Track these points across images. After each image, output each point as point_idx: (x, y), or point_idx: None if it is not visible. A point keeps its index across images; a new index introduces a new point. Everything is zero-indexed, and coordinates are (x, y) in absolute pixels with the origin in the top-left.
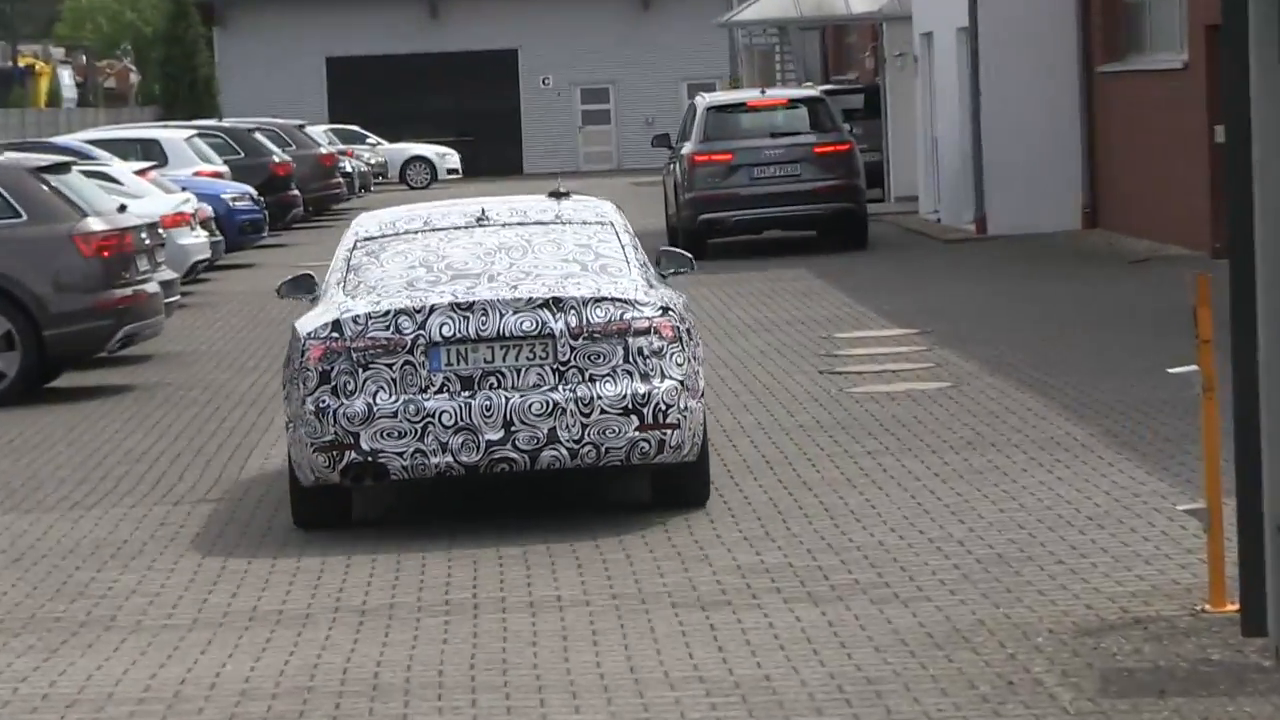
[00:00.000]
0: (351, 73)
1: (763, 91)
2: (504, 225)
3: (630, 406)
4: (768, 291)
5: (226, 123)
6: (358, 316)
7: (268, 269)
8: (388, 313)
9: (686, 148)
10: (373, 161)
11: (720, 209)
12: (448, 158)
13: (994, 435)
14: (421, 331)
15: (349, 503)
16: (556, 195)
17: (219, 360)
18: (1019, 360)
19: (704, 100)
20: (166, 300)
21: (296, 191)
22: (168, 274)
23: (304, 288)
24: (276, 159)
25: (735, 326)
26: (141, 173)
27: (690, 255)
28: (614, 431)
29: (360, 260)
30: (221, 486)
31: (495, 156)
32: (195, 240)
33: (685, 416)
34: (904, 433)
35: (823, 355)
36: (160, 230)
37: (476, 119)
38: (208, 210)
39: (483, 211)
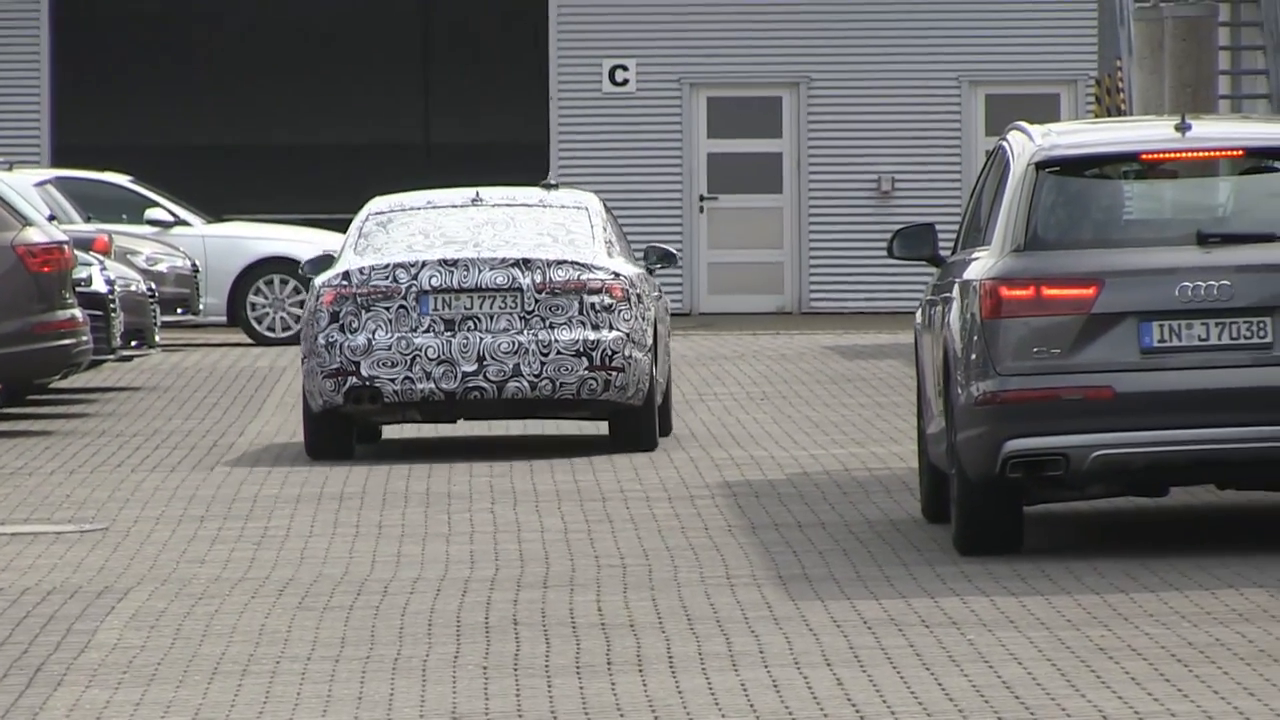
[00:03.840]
0: (106, 29)
1: (1182, 126)
2: (494, 205)
3: (582, 350)
4: (1192, 660)
5: None
6: (363, 268)
7: None
8: (388, 265)
9: (979, 266)
10: (162, 268)
11: (1061, 426)
12: None
13: None
14: (414, 282)
15: (351, 437)
16: (546, 187)
17: None
18: None
19: (1029, 142)
20: None
21: None
22: None
23: (325, 266)
24: None
25: None
26: None
27: (673, 252)
28: (567, 369)
29: (371, 229)
30: None
31: None
32: None
33: (630, 363)
34: None
35: None
36: None
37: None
38: None
39: (477, 194)
